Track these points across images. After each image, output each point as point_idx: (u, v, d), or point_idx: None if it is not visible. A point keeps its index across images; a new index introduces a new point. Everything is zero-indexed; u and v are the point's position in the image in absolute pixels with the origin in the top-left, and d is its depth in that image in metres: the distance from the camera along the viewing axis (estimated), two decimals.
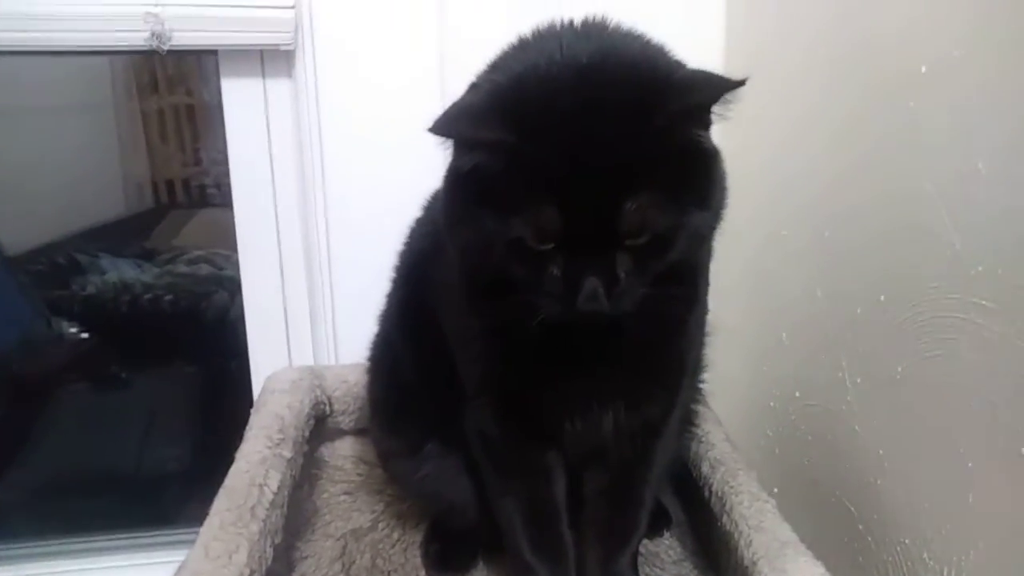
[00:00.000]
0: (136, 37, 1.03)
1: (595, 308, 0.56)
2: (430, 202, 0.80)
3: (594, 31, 0.61)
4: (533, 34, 0.62)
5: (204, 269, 2.08)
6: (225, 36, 1.07)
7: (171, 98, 2.35)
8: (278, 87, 1.15)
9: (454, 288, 0.69)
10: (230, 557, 0.73)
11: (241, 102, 1.16)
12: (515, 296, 0.59)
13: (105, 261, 2.05)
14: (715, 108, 0.57)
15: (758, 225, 1.10)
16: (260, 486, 0.83)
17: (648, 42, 0.62)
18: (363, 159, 1.14)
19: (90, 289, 1.96)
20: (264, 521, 0.79)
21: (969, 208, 0.71)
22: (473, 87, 0.61)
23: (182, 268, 2.09)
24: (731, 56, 1.15)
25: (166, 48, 1.05)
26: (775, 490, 1.11)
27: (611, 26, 0.61)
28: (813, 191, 0.97)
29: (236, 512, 0.79)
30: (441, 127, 0.56)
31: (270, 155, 1.17)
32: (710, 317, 0.84)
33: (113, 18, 1.02)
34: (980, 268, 0.70)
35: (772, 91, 1.03)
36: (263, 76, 1.15)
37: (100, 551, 1.39)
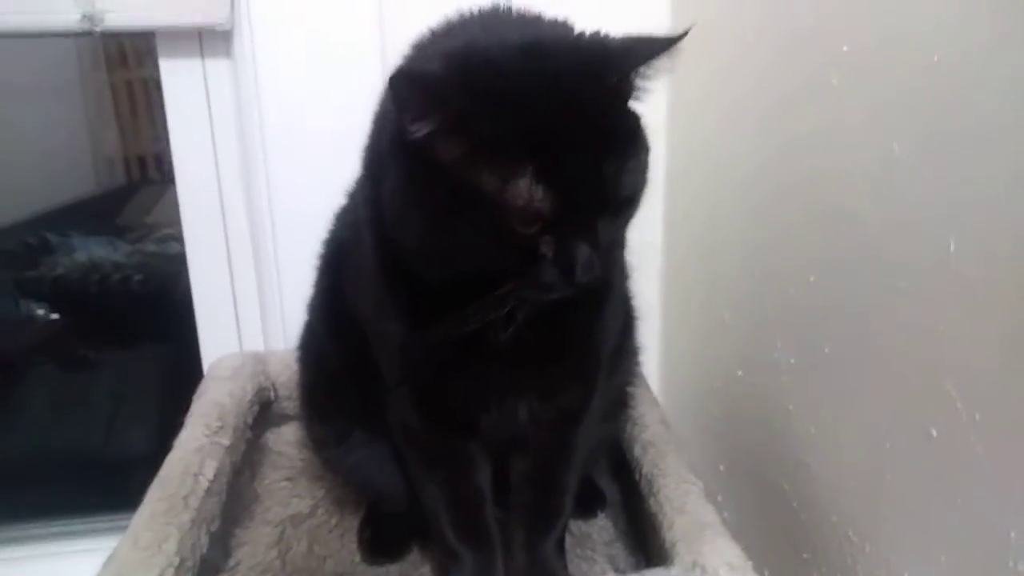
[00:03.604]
0: (67, 19, 1.01)
1: (592, 277, 0.55)
2: (353, 191, 0.79)
3: (503, 17, 0.61)
4: (443, 26, 0.62)
5: (174, 248, 2.06)
6: (159, 17, 1.05)
7: (140, 71, 2.31)
8: (217, 67, 1.13)
9: (372, 285, 0.68)
10: (159, 547, 0.74)
11: (181, 83, 1.14)
12: (489, 293, 0.56)
13: (76, 240, 2.03)
14: (656, 68, 0.57)
15: (701, 207, 1.10)
16: (195, 475, 0.83)
17: (556, 21, 0.62)
18: (305, 139, 1.12)
19: (59, 270, 1.94)
20: (197, 510, 0.80)
21: (886, 192, 0.71)
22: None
23: (151, 247, 2.07)
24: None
25: (99, 30, 1.03)
26: (721, 468, 1.12)
27: (514, 12, 0.61)
28: (748, 172, 0.96)
29: (168, 501, 0.79)
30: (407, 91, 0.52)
31: (212, 136, 1.16)
32: (639, 302, 0.85)
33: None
34: (895, 252, 0.70)
35: (711, 77, 1.03)
36: (202, 56, 1.13)
37: (66, 535, 1.40)
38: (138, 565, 0.72)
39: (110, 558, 0.74)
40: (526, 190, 0.52)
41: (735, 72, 0.98)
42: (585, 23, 0.61)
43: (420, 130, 0.53)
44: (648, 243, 1.20)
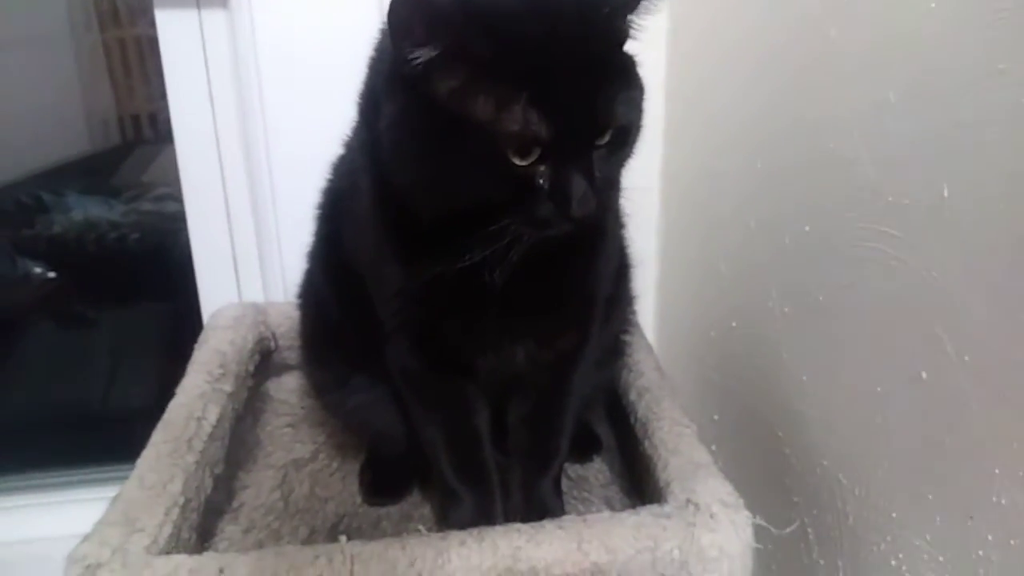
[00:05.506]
0: None
1: (587, 212, 0.56)
2: (350, 139, 0.79)
3: None
4: None
5: (170, 206, 2.05)
6: None
7: (133, 30, 2.28)
8: (214, 18, 1.12)
9: (369, 230, 0.69)
10: (164, 487, 0.75)
11: (177, 34, 1.13)
12: (486, 228, 0.57)
13: (71, 199, 2.02)
14: (648, 8, 0.58)
15: (697, 157, 1.10)
16: (198, 419, 0.84)
17: None
18: (303, 90, 1.12)
19: (56, 228, 1.94)
20: (201, 452, 0.81)
21: (881, 137, 0.71)
22: None
23: (147, 206, 2.06)
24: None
25: None
26: (715, 417, 1.14)
27: None
28: (744, 121, 0.97)
29: (172, 444, 0.81)
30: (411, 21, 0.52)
31: (209, 89, 1.15)
32: (636, 251, 0.86)
33: None
34: (889, 198, 0.70)
35: (707, 26, 1.02)
36: (198, 7, 1.12)
37: (67, 485, 1.43)
38: (144, 504, 0.73)
39: (116, 498, 0.75)
40: (521, 115, 0.53)
41: (732, 21, 0.98)
42: None
43: (420, 57, 0.53)
44: (645, 192, 1.21)
